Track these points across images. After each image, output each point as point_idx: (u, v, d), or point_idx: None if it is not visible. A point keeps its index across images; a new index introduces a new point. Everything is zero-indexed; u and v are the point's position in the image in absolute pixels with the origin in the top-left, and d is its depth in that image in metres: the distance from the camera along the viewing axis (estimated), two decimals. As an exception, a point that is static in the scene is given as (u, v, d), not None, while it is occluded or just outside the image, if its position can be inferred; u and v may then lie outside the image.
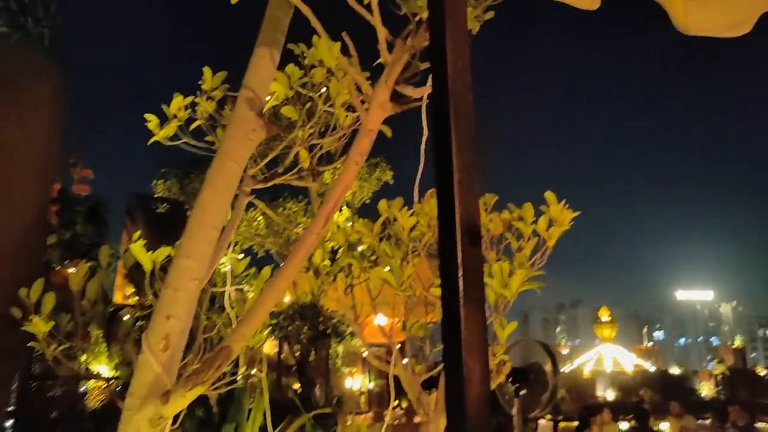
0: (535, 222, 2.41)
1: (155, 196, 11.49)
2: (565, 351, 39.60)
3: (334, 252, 2.87)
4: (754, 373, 35.47)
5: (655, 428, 11.07)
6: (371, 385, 18.58)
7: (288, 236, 12.95)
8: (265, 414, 4.28)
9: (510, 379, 5.68)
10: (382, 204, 2.52)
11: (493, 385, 2.37)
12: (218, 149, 2.18)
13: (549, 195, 2.35)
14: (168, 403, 1.70)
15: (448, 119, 1.46)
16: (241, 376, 3.56)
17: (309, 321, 9.20)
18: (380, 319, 3.01)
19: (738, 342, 40.39)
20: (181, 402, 1.74)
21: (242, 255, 2.75)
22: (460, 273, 1.35)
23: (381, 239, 2.53)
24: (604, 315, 40.71)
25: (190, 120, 2.92)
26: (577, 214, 2.35)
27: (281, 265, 1.98)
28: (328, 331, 9.49)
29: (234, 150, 2.15)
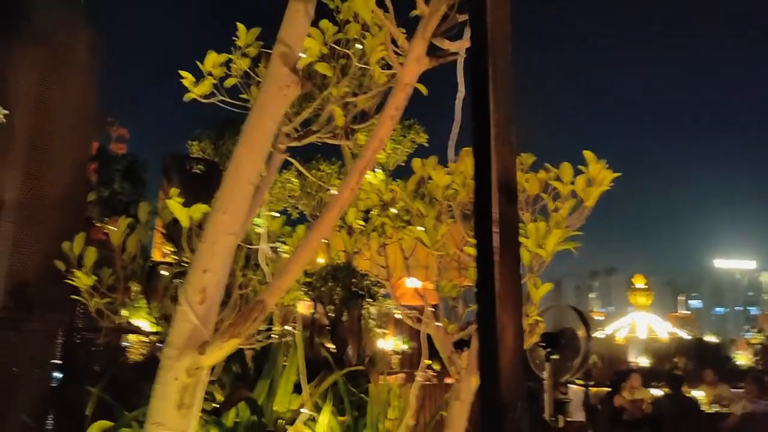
0: (572, 182, 2.35)
1: (190, 156, 11.65)
2: (598, 317, 39.33)
3: (367, 212, 2.87)
4: (793, 343, 34.70)
5: (688, 395, 10.96)
6: (404, 347, 18.82)
7: (321, 198, 13.00)
8: (299, 370, 4.39)
9: (542, 344, 5.68)
10: (416, 162, 2.49)
11: (526, 346, 2.36)
12: (253, 105, 2.17)
13: (588, 154, 2.29)
14: (205, 354, 1.75)
15: (487, 71, 1.41)
16: (275, 334, 3.64)
17: (342, 282, 9.31)
18: (413, 282, 3.02)
19: (780, 312, 39.55)
20: (217, 353, 1.78)
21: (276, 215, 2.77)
22: (496, 229, 1.32)
23: (415, 198, 2.51)
24: (639, 282, 40.14)
25: (226, 78, 2.92)
26: (617, 174, 2.29)
27: (315, 222, 1.99)
28: (361, 292, 9.60)
29: (269, 106, 2.14)
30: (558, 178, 2.36)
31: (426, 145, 14.06)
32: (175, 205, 2.36)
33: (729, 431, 8.90)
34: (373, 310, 10.24)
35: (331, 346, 9.88)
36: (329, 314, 10.29)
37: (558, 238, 2.09)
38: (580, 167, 2.36)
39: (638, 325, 38.06)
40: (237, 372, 4.58)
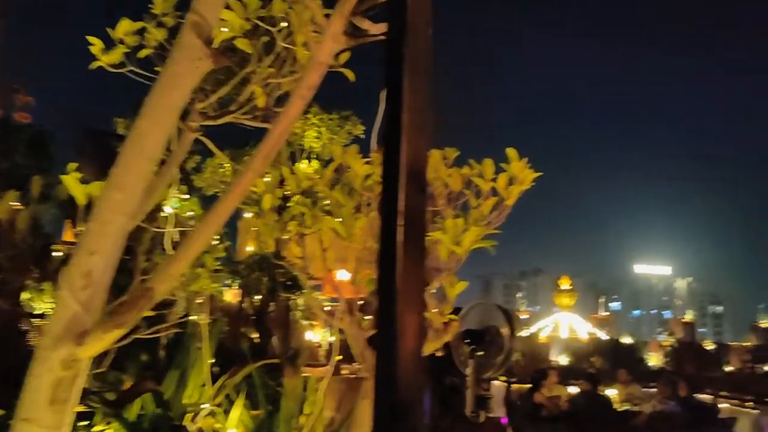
0: (494, 180, 2.31)
1: (111, 132, 11.06)
2: (524, 316, 40.58)
3: (286, 199, 2.74)
4: (700, 347, 37.00)
5: (602, 393, 11.39)
6: (332, 339, 18.76)
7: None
8: (214, 362, 4.21)
9: (466, 341, 5.72)
10: (336, 149, 2.38)
11: (439, 345, 2.31)
12: (159, 76, 2.00)
13: (511, 152, 2.25)
14: (83, 345, 1.58)
15: (402, 53, 1.32)
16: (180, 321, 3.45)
17: (268, 272, 9.12)
18: (344, 274, 2.91)
19: (689, 316, 42.01)
20: (98, 344, 1.61)
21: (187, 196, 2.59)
22: (401, 221, 1.24)
23: (334, 188, 2.40)
24: (565, 284, 41.71)
25: (141, 48, 2.71)
26: (538, 174, 2.26)
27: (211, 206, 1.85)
28: (289, 283, 9.43)
29: (177, 78, 1.97)
30: (481, 175, 2.32)
31: (362, 136, 13.98)
32: (70, 181, 2.15)
33: (638, 429, 9.29)
34: (300, 301, 10.08)
35: (255, 336, 9.67)
36: (255, 304, 10.07)
37: (475, 235, 2.04)
38: (502, 165, 2.32)
39: (561, 325, 39.53)
40: (145, 361, 4.36)
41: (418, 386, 1.22)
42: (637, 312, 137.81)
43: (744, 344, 40.57)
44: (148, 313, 1.79)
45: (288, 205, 2.68)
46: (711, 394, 17.34)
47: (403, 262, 1.23)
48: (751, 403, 14.96)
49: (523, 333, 36.90)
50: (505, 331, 6.15)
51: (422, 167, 1.29)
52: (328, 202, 2.42)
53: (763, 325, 41.03)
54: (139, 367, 4.28)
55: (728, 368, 35.17)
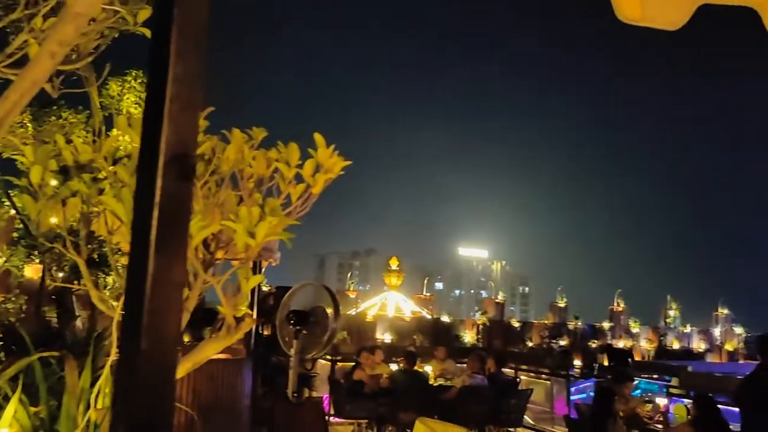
0: (300, 166, 2.18)
1: None
2: (352, 295, 41.65)
3: (66, 171, 2.36)
4: (508, 324, 40.97)
5: (420, 370, 11.99)
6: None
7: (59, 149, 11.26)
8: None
9: (291, 321, 5.62)
10: (122, 121, 2.07)
11: (229, 343, 2.13)
12: None
13: (318, 137, 2.12)
14: None
15: (171, 12, 1.12)
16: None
17: (74, 246, 8.15)
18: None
19: (500, 297, 46.11)
20: None
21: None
22: (156, 213, 1.05)
23: (117, 163, 2.10)
24: (394, 264, 43.55)
25: None
26: (347, 163, 2.17)
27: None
28: (97, 260, 8.56)
29: None
30: (286, 161, 2.17)
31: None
32: None
33: (449, 401, 9.91)
34: (110, 280, 9.22)
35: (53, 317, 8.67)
36: (57, 282, 9.01)
37: (271, 226, 1.89)
38: (310, 151, 2.19)
39: (388, 304, 41.28)
40: None
41: (166, 403, 1.05)
42: (457, 292, 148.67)
43: (544, 322, 45.66)
44: None
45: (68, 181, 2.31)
46: (514, 368, 19.16)
47: (157, 260, 1.05)
48: (545, 375, 16.72)
49: (352, 312, 37.89)
50: (330, 311, 6.14)
51: (188, 152, 1.10)
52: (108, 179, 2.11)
53: (559, 305, 46.27)
54: None
55: (530, 344, 39.36)
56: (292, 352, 5.97)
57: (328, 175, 2.15)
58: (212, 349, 2.08)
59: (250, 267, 2.01)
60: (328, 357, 15.91)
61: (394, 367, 12.45)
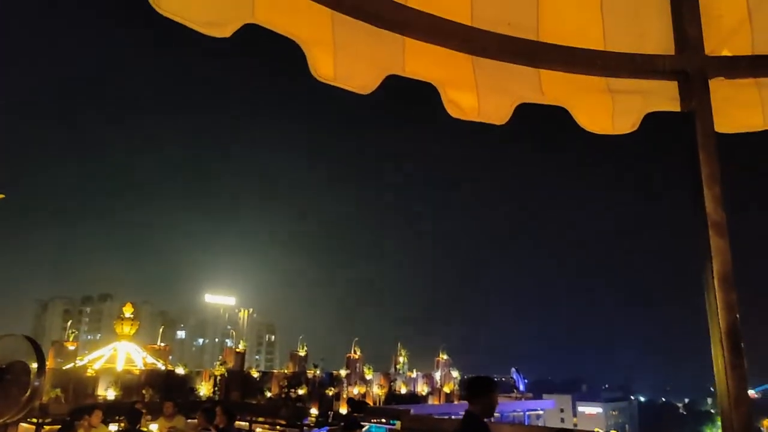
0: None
1: None
2: (72, 347, 36.86)
3: None
4: (247, 375, 40.29)
5: (145, 429, 11.15)
6: None
7: None
8: None
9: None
10: None
11: None
12: None
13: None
14: None
15: None
16: None
17: None
18: None
19: (241, 346, 45.00)
20: None
21: None
22: None
23: None
24: (128, 311, 40.08)
25: None
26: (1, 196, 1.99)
27: None
28: None
29: None
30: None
31: None
32: None
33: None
34: None
35: None
36: None
37: None
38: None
39: (118, 356, 37.45)
40: None
41: None
42: (201, 340, 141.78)
43: (284, 371, 45.96)
44: None
45: None
46: (249, 421, 18.83)
47: None
48: (280, 426, 16.83)
49: (70, 365, 33.65)
50: (33, 366, 5.46)
51: None
52: None
53: (300, 353, 47.10)
54: None
55: (269, 394, 39.19)
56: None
57: None
58: None
59: None
60: (34, 420, 13.95)
61: (113, 428, 11.36)
